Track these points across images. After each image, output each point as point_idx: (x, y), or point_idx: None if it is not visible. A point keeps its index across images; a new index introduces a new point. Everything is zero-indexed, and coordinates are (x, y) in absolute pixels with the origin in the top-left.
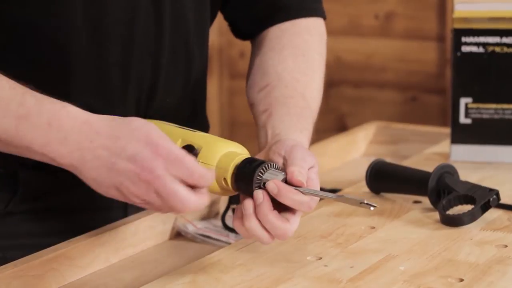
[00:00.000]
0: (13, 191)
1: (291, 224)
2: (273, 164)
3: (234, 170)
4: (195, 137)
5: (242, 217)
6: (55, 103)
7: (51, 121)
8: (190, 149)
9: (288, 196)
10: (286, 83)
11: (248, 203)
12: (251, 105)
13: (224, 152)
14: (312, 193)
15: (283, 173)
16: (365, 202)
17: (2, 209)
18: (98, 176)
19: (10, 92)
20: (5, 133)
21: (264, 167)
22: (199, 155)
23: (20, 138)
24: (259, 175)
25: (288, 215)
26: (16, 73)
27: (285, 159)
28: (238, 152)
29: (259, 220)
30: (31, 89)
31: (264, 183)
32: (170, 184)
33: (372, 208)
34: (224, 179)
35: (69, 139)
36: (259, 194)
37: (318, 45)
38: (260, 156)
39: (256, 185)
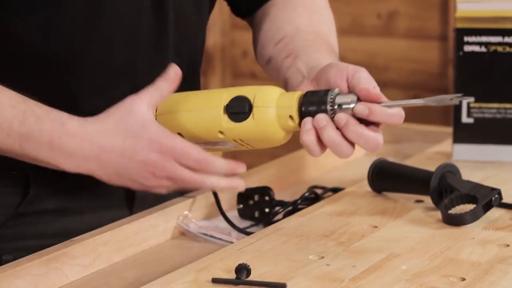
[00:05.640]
0: (24, 193)
1: (380, 134)
2: (336, 90)
3: (299, 105)
4: (240, 88)
5: (314, 131)
6: (54, 120)
7: (52, 140)
8: (242, 99)
9: (380, 111)
10: (308, 32)
11: (322, 117)
12: (268, 61)
13: (279, 93)
14: (397, 104)
15: (353, 94)
16: (455, 97)
17: (13, 211)
18: (110, 180)
19: (12, 110)
20: (11, 151)
21: (332, 93)
22: (255, 101)
23: (26, 154)
24: (331, 100)
25: (373, 127)
26: (20, 79)
27: (349, 81)
28: (290, 92)
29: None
30: (32, 98)
31: (339, 105)
32: (181, 173)
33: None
34: (290, 116)
35: (74, 155)
36: (342, 115)
37: (328, 8)
38: (305, 89)
39: (330, 110)
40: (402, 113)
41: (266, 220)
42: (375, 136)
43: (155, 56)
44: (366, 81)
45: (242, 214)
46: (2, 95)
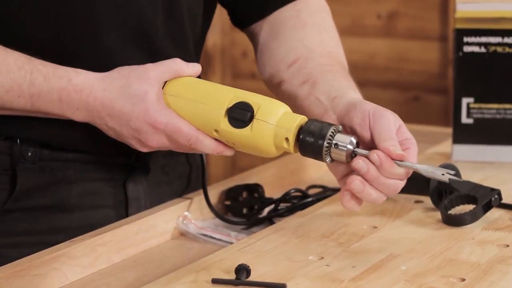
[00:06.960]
0: (11, 189)
1: (401, 182)
2: (339, 127)
3: (298, 131)
4: (248, 94)
5: (350, 195)
6: (61, 77)
7: (61, 97)
8: (246, 106)
9: (389, 169)
10: (320, 53)
11: (356, 180)
12: (280, 84)
13: (283, 112)
14: (407, 166)
15: (353, 136)
16: (446, 173)
17: (0, 207)
18: (109, 134)
19: (19, 72)
20: (23, 110)
21: (334, 129)
22: (258, 113)
23: (37, 111)
24: (330, 136)
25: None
26: None
27: (370, 129)
28: (296, 113)
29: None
30: (35, 57)
31: (335, 145)
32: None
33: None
34: (286, 138)
35: (80, 110)
36: (361, 163)
37: (334, 25)
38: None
39: (326, 148)
40: (406, 175)
41: (250, 218)
42: (396, 184)
43: (146, 41)
44: (386, 137)
45: (230, 210)
46: (7, 58)
